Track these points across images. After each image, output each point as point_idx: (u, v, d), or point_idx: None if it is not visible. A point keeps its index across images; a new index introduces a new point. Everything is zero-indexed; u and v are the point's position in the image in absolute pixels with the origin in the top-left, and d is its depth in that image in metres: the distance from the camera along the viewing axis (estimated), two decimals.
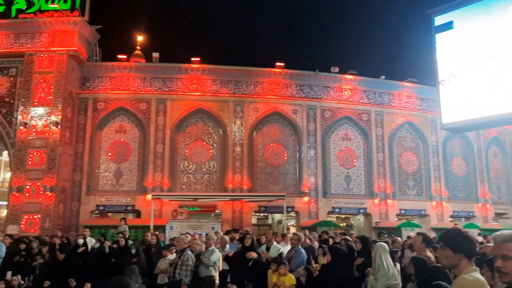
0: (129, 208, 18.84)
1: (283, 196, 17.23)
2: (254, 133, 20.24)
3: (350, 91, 21.14)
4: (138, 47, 24.10)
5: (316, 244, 9.48)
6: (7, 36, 18.11)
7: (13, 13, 18.20)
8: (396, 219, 21.00)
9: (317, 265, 7.31)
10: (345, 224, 23.09)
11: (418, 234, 6.39)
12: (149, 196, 18.14)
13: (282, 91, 20.44)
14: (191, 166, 19.70)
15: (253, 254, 8.14)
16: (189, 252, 9.07)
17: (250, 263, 8.08)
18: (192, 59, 20.11)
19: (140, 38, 24.68)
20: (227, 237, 10.43)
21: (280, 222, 22.88)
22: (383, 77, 21.95)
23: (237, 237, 10.78)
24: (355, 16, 42.29)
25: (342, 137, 20.96)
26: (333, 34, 42.57)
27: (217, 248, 9.43)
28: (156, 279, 10.11)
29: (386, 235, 10.71)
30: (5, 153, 20.33)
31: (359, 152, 20.99)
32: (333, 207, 20.08)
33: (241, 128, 19.97)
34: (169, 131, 19.47)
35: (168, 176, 19.22)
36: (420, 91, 22.01)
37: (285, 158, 20.29)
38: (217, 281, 9.14)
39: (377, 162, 20.89)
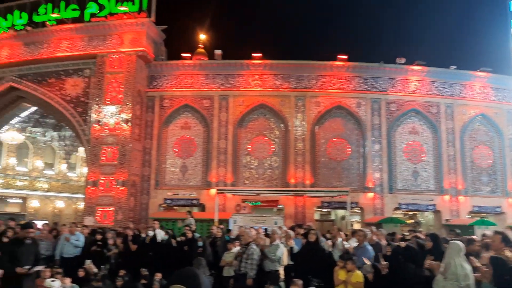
0: (194, 202, 19.40)
1: (347, 191, 16.90)
2: (316, 127, 20.01)
3: (418, 82, 20.24)
4: (201, 45, 24.66)
5: (384, 242, 9.20)
6: (82, 39, 19.26)
7: (87, 17, 19.32)
8: (469, 216, 19.83)
9: (386, 263, 7.09)
10: (412, 221, 22.23)
11: (496, 232, 5.98)
12: (213, 191, 18.58)
13: (345, 84, 20.02)
14: (253, 161, 19.88)
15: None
16: (254, 246, 9.14)
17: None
18: (254, 55, 20.25)
19: (202, 37, 25.25)
20: (291, 232, 10.40)
21: (343, 218, 22.49)
22: (454, 67, 20.78)
23: (302, 232, 10.75)
24: (421, 2, 40.39)
25: (409, 131, 20.14)
26: (398, 23, 40.98)
27: (282, 242, 9.44)
28: (221, 271, 10.31)
29: (458, 234, 10.14)
30: (82, 149, 21.74)
31: (427, 146, 20.07)
32: (399, 203, 19.38)
33: (303, 122, 19.82)
34: (231, 127, 19.77)
35: (231, 171, 19.54)
36: (494, 81, 20.61)
37: (349, 152, 19.88)
38: (282, 276, 9.14)
39: (447, 157, 19.86)
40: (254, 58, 20.18)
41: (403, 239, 9.41)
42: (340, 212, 23.20)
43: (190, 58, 21.23)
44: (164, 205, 19.63)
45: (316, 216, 21.37)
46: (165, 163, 19.89)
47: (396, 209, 19.55)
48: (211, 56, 22.11)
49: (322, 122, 20.13)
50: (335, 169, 19.76)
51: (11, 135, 26.98)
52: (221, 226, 13.55)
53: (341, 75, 20.06)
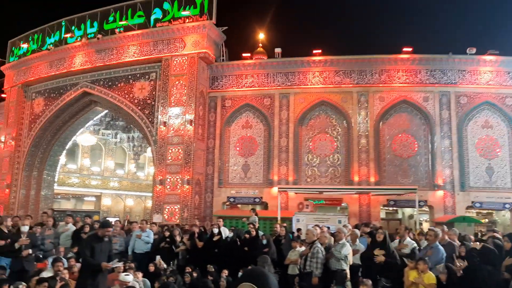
0: (257, 200, 19.57)
1: (415, 189, 16.24)
2: (381, 123, 19.39)
3: (491, 73, 18.95)
4: (260, 44, 24.84)
5: (457, 242, 8.72)
6: (147, 44, 20.10)
7: (152, 23, 20.13)
8: None
9: (461, 264, 6.70)
10: (487, 220, 20.94)
11: None
12: (275, 189, 18.62)
13: (410, 78, 19.21)
14: (315, 159, 19.67)
15: (380, 258, 7.72)
16: (319, 245, 9.05)
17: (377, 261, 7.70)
18: (314, 51, 20.02)
19: (262, 36, 25.42)
20: (357, 231, 10.15)
21: (411, 216, 21.68)
22: None
23: (367, 231, 10.47)
24: None
25: (482, 125, 18.91)
26: (467, 11, 38.69)
27: (348, 241, 9.25)
28: (286, 269, 10.29)
29: None
30: (149, 149, 22.69)
31: (502, 140, 18.74)
32: (472, 202, 18.26)
33: (366, 119, 19.30)
34: (292, 125, 19.69)
35: (293, 169, 19.46)
36: None
37: (416, 149, 19.06)
38: (348, 275, 8.96)
39: None
40: (315, 55, 19.95)
41: (479, 240, 8.86)
42: (408, 211, 22.37)
43: (250, 58, 21.43)
44: (227, 203, 19.98)
45: (382, 214, 20.74)
46: (227, 162, 20.24)
47: (469, 207, 18.45)
48: (270, 54, 22.17)
49: (387, 118, 19.47)
50: (401, 166, 19.04)
51: (86, 137, 28.83)
52: (284, 225, 13.56)
53: (406, 68, 19.27)
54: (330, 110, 19.82)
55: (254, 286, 2.18)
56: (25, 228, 9.31)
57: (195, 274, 9.12)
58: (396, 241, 9.59)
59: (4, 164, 24.12)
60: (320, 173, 19.47)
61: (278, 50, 21.10)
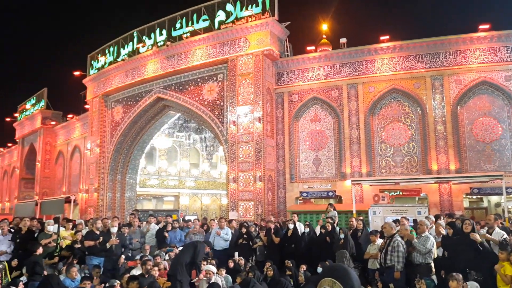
0: (330, 194, 19.34)
1: (501, 175, 15.10)
2: (458, 107, 18.28)
3: None
4: (324, 36, 24.47)
5: None
6: (213, 46, 20.63)
7: (216, 26, 20.63)
8: None
9: None
10: None
11: None
12: (348, 182, 18.28)
13: (489, 57, 17.87)
14: (388, 149, 19.02)
15: (477, 237, 7.32)
16: (399, 238, 8.78)
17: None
18: (381, 38, 19.34)
19: (325, 27, 25.02)
20: (442, 222, 9.67)
21: (498, 205, 20.25)
22: None
23: (447, 222, 9.96)
24: None
25: None
26: None
27: (430, 234, 8.88)
28: (366, 263, 10.10)
29: None
30: (221, 148, 23.31)
31: None
32: None
33: (442, 104, 18.28)
34: (362, 115, 19.20)
35: (366, 161, 18.98)
36: None
37: (499, 132, 17.73)
38: (433, 269, 8.61)
39: None
40: (382, 41, 19.26)
41: None
42: (494, 199, 20.91)
43: (315, 51, 21.19)
44: (301, 198, 19.96)
45: (465, 203, 19.58)
46: (298, 156, 20.21)
47: None
48: (335, 45, 21.75)
49: (465, 101, 18.31)
50: (484, 152, 17.82)
51: (162, 140, 30.27)
52: (361, 218, 13.27)
53: (484, 47, 17.95)
54: (402, 97, 19.05)
55: (335, 281, 2.19)
56: (114, 229, 10.00)
57: (273, 270, 9.23)
58: (483, 230, 9.04)
59: (92, 170, 26.07)
60: (395, 163, 18.81)
61: (343, 40, 20.66)
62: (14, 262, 9.67)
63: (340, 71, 19.66)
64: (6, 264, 8.62)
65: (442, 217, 11.06)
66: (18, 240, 10.75)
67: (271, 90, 20.18)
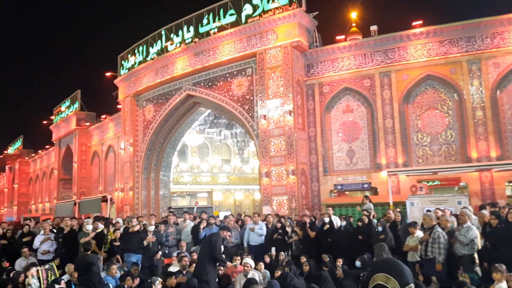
0: (365, 186, 18.94)
1: None
2: (498, 92, 17.48)
3: None
4: (354, 24, 23.93)
5: None
6: (241, 41, 20.52)
7: (243, 20, 20.50)
8: None
9: None
10: None
11: None
12: (384, 173, 17.84)
13: None
14: (425, 138, 18.43)
15: None
16: (439, 229, 8.51)
17: None
18: (414, 23, 18.70)
19: (354, 15, 24.47)
20: (486, 212, 9.28)
21: None
22: None
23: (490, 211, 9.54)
24: None
25: None
26: None
27: (473, 224, 8.51)
28: (405, 256, 9.82)
29: None
30: (252, 143, 23.25)
31: None
32: None
33: (480, 89, 17.52)
34: (397, 104, 18.66)
35: (402, 151, 18.46)
36: None
37: None
38: (476, 261, 8.29)
39: None
40: (414, 27, 18.60)
41: None
42: None
43: (345, 40, 20.73)
44: (335, 191, 19.65)
45: (508, 192, 18.73)
46: (331, 149, 19.88)
47: None
48: (366, 33, 21.22)
49: (505, 85, 17.48)
50: None
51: (193, 137, 30.52)
52: (398, 210, 12.94)
53: None
54: (437, 84, 18.38)
55: (390, 277, 2.05)
56: (151, 227, 10.09)
57: (310, 265, 9.09)
58: None
59: (126, 169, 26.57)
60: (432, 152, 18.20)
61: (373, 28, 20.11)
62: (57, 261, 9.91)
63: (371, 60, 19.16)
64: (54, 264, 8.82)
65: (487, 207, 10.61)
66: (60, 240, 11.03)
67: (301, 82, 19.90)
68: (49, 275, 8.34)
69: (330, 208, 13.19)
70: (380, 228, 10.38)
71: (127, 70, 27.19)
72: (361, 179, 19.06)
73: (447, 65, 18.02)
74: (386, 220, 11.48)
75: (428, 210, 10.92)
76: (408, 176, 17.84)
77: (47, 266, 8.66)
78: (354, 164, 19.39)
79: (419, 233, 9.75)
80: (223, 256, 8.51)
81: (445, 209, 10.43)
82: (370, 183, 18.81)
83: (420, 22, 18.65)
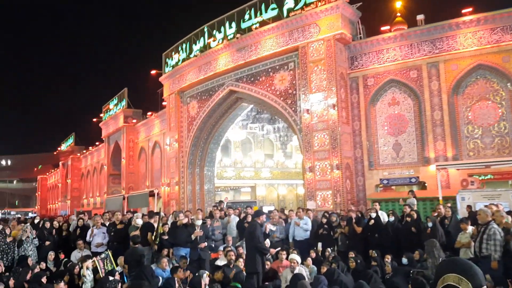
0: (413, 180, 18.41)
1: None
2: None
3: None
4: (399, 14, 23.18)
5: None
6: (283, 35, 20.43)
7: (285, 14, 20.39)
8: None
9: None
10: None
11: None
12: (432, 167, 17.28)
13: None
14: (476, 130, 17.66)
15: None
16: (495, 226, 8.18)
17: None
18: (463, 11, 17.90)
19: (399, 4, 23.70)
20: None
21: None
22: None
23: None
24: None
25: None
26: None
27: None
28: (457, 253, 9.53)
29: None
30: (295, 138, 23.16)
31: None
32: None
33: None
34: (446, 96, 17.97)
35: (451, 144, 17.79)
36: None
37: None
38: None
39: None
40: (464, 14, 17.80)
41: None
42: None
43: (389, 30, 20.15)
44: (381, 185, 19.24)
45: None
46: (376, 143, 19.46)
47: None
48: (411, 23, 20.51)
49: None
50: None
51: (236, 133, 30.81)
52: (449, 205, 12.52)
53: None
54: (489, 74, 17.53)
55: (462, 277, 1.98)
56: (198, 222, 10.30)
57: (356, 261, 8.97)
58: None
59: (172, 164, 27.24)
60: (484, 145, 17.42)
61: (420, 17, 19.40)
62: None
63: (418, 50, 18.54)
64: (110, 252, 9.21)
65: None
66: (112, 233, 11.49)
67: (344, 75, 19.58)
68: (106, 263, 8.72)
69: (377, 203, 12.92)
70: (430, 224, 10.09)
71: (171, 68, 27.78)
72: (408, 173, 18.55)
73: (499, 54, 17.14)
74: (436, 215, 11.15)
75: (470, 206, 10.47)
76: (458, 170, 17.18)
77: (102, 256, 9.06)
78: (400, 158, 18.90)
79: (471, 229, 9.42)
80: (265, 244, 8.55)
81: (498, 204, 9.99)
82: (418, 177, 18.27)
83: (470, 9, 17.82)
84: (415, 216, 10.93)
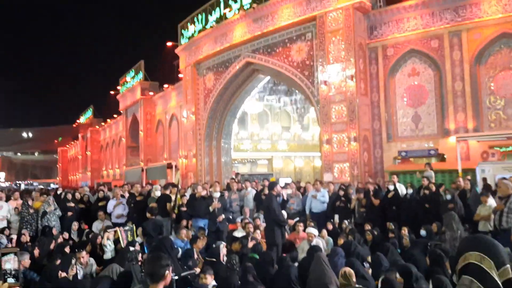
0: (431, 152, 18.17)
1: None
2: None
3: None
4: None
5: None
6: (300, 4, 19.96)
7: None
8: None
9: None
10: None
11: None
12: (452, 139, 16.99)
13: None
14: (498, 101, 17.20)
15: None
16: None
17: None
18: None
19: None
20: None
21: None
22: None
23: None
24: None
25: None
26: None
27: None
28: (476, 226, 9.46)
29: None
30: (312, 110, 22.95)
31: None
32: None
33: None
34: (468, 65, 17.46)
35: (472, 115, 17.40)
36: None
37: None
38: None
39: None
40: None
41: None
42: None
43: None
44: (399, 157, 19.06)
45: None
46: (395, 114, 19.16)
47: None
48: None
49: None
50: None
51: (252, 105, 30.68)
52: (469, 177, 12.37)
53: None
54: None
55: (485, 256, 1.94)
56: (216, 194, 10.41)
57: (373, 234, 8.99)
58: None
59: (189, 137, 27.42)
60: (506, 116, 16.99)
61: None
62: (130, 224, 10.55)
63: (440, 19, 17.93)
64: (134, 226, 9.42)
65: None
66: (132, 205, 11.72)
67: (363, 46, 19.14)
68: (128, 235, 8.94)
69: (395, 176, 12.85)
70: (448, 197, 10.01)
71: (187, 39, 27.56)
72: (427, 145, 18.30)
73: None
74: (455, 188, 11.05)
75: (504, 178, 10.30)
76: (478, 142, 16.88)
77: (126, 228, 9.28)
78: (419, 130, 18.61)
79: (492, 202, 9.31)
80: (282, 215, 8.61)
81: (510, 178, 9.82)
82: (437, 149, 18.02)
83: None
84: (433, 188, 10.84)
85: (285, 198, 8.83)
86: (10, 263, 1.57)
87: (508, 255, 1.97)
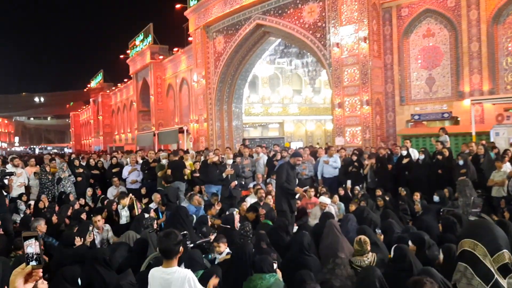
0: (445, 115, 17.92)
1: None
2: None
3: None
4: None
5: None
6: None
7: None
8: None
9: None
10: None
11: None
12: (467, 101, 16.71)
13: None
14: None
15: None
16: None
17: None
18: None
19: None
20: None
21: None
22: None
23: None
24: None
25: None
26: None
27: None
28: (489, 191, 9.45)
29: None
30: (323, 72, 22.61)
31: None
32: None
33: None
34: (485, 26, 16.89)
35: (488, 77, 17.00)
36: None
37: None
38: None
39: None
40: None
41: None
42: None
43: None
44: (412, 121, 18.86)
45: None
46: (408, 77, 18.81)
47: None
48: None
49: None
50: None
51: (263, 68, 30.30)
52: (483, 142, 12.24)
53: None
54: None
55: (478, 243, 1.94)
56: (229, 160, 10.47)
57: (384, 199, 9.02)
58: None
59: (200, 101, 27.36)
60: None
61: None
62: (143, 190, 10.74)
63: None
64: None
65: None
66: (146, 171, 11.86)
67: (377, 6, 18.57)
68: (143, 204, 9.11)
69: (408, 141, 12.76)
70: (461, 162, 9.94)
71: (196, 1, 26.98)
72: (441, 108, 18.04)
73: None
74: (468, 153, 10.95)
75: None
76: (494, 104, 16.56)
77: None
78: (433, 92, 18.30)
79: (507, 167, 9.25)
80: (292, 184, 8.54)
81: None
82: (450, 112, 17.76)
83: None
84: (446, 154, 10.75)
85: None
86: (32, 247, 1.62)
87: (505, 241, 1.96)
